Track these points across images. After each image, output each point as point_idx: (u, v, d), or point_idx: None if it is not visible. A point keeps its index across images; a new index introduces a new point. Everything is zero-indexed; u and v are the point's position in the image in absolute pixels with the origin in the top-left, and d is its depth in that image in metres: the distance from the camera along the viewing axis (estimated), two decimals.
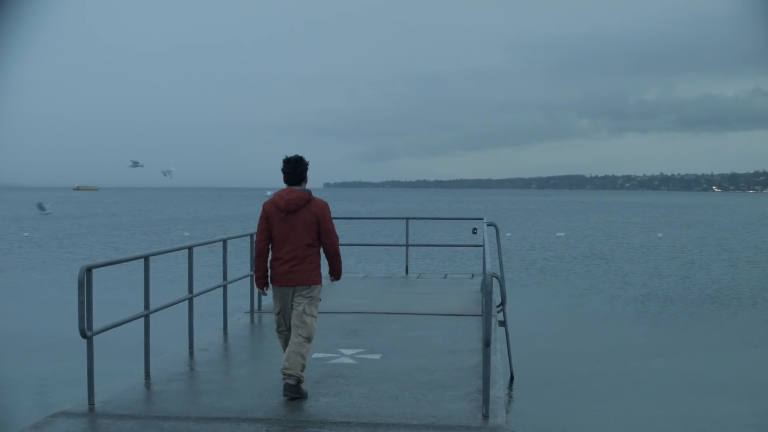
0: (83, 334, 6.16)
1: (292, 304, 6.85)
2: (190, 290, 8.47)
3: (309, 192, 6.92)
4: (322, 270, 6.96)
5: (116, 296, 21.73)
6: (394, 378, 7.33)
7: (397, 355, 8.39)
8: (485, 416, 6.01)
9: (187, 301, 8.52)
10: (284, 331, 7.02)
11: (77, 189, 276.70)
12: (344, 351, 8.51)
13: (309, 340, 6.80)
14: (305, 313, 6.80)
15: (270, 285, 7.02)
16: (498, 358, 8.15)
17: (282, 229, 6.82)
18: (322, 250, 6.99)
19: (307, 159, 7.02)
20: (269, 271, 6.95)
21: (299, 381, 6.68)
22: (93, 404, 6.33)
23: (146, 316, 7.37)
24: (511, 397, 12.33)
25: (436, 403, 6.46)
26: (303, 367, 6.69)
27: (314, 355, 8.23)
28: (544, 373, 13.80)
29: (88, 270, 6.18)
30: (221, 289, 9.72)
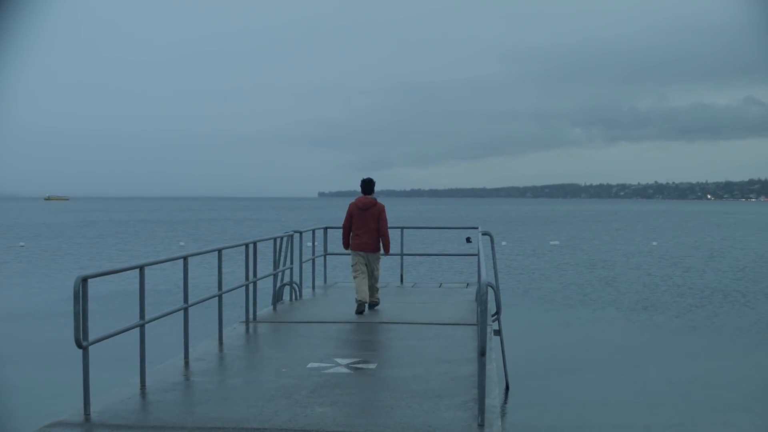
0: (79, 344, 6.15)
1: (366, 264, 11.97)
2: (186, 300, 8.46)
3: (375, 198, 12.07)
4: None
5: (113, 305, 21.71)
6: (389, 387, 7.34)
7: (393, 364, 8.40)
8: (480, 425, 6.01)
9: (182, 311, 8.51)
10: (362, 274, 11.92)
11: (48, 199, 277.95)
12: (339, 360, 8.52)
13: (377, 280, 12.23)
14: (375, 269, 12.14)
15: (350, 248, 12.11)
16: (493, 368, 8.16)
17: (359, 219, 11.99)
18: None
19: (374, 181, 12.25)
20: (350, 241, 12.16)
21: (375, 303, 12.22)
22: (89, 414, 6.32)
23: (142, 326, 7.37)
24: (506, 406, 12.33)
25: (432, 412, 6.47)
26: (377, 290, 12.28)
27: (309, 365, 8.24)
28: (539, 382, 13.82)
29: (84, 280, 6.18)
30: (216, 298, 9.70)
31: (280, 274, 12.67)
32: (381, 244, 12.10)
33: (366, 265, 12.01)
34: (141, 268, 7.38)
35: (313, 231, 14.89)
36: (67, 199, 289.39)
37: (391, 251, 12.42)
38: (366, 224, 11.95)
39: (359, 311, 11.72)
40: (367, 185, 12.16)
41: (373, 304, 12.22)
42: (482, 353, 6.00)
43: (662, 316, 21.42)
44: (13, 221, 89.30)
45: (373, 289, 12.15)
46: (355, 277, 11.99)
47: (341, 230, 12.45)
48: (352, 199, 12.34)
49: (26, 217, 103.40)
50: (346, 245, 12.28)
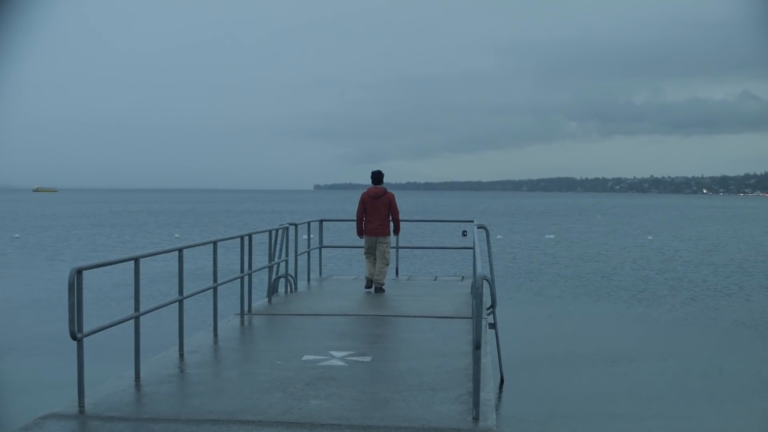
0: (73, 336, 6.14)
1: (377, 246, 13.42)
2: (181, 292, 8.45)
3: (385, 188, 13.49)
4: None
5: (108, 297, 21.68)
6: (384, 380, 7.35)
7: (388, 357, 8.40)
8: (475, 419, 6.02)
9: (177, 303, 8.50)
10: (371, 256, 13.52)
11: (36, 191, 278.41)
12: (334, 353, 8.52)
13: (388, 264, 13.56)
14: (385, 252, 13.45)
15: (364, 234, 13.58)
16: (488, 361, 8.17)
17: (371, 207, 13.44)
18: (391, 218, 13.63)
19: (383, 173, 13.67)
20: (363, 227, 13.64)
21: (380, 287, 13.40)
22: (83, 406, 6.32)
23: (136, 318, 7.36)
24: (501, 399, 12.35)
25: (427, 405, 6.48)
26: (386, 275, 13.56)
27: (304, 357, 8.24)
28: (534, 376, 13.84)
29: (79, 272, 6.17)
30: (212, 290, 9.68)
31: (275, 267, 12.65)
32: (392, 227, 13.65)
33: (376, 248, 13.50)
34: (136, 260, 7.37)
35: (309, 223, 14.87)
36: (56, 191, 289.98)
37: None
38: (377, 211, 13.40)
39: (368, 286, 13.50)
40: (377, 176, 13.59)
41: (378, 288, 13.42)
42: (477, 346, 6.01)
43: (658, 309, 21.46)
44: (5, 213, 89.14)
45: (381, 272, 13.45)
46: (367, 259, 13.58)
47: (354, 221, 13.89)
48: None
49: (18, 209, 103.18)
50: (360, 232, 13.64)
